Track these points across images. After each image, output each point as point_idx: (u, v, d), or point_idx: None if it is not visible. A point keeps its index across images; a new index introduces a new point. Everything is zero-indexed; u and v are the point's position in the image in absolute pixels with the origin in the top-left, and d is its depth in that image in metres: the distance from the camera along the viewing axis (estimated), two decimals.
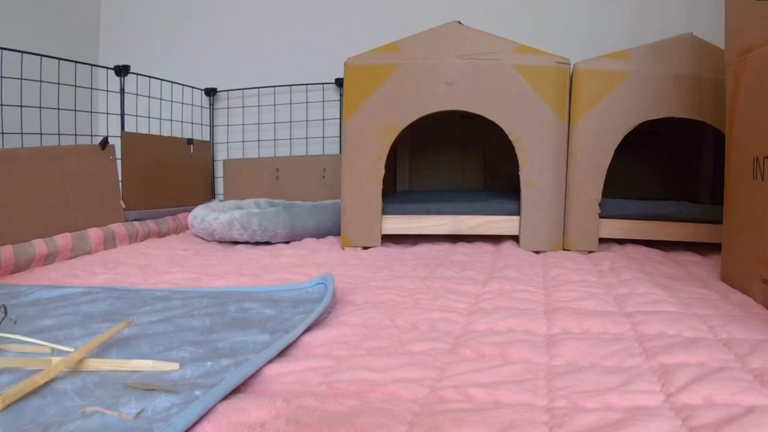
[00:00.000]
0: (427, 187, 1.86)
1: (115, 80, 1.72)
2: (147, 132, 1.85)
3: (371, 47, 1.31)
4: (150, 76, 1.84)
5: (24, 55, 1.39)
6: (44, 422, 0.43)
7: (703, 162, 1.59)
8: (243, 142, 2.17)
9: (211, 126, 2.18)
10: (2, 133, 1.38)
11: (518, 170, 1.28)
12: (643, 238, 1.28)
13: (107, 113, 1.76)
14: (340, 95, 1.98)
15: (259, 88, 2.12)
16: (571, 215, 1.28)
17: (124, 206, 1.51)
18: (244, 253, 1.28)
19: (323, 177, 1.97)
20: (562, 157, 1.27)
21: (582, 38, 1.89)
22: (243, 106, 2.17)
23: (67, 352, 0.57)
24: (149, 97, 1.89)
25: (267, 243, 1.41)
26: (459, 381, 0.52)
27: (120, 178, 1.53)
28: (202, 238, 1.49)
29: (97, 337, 0.58)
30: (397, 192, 1.78)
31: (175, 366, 0.54)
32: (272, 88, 2.12)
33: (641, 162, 1.63)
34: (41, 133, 1.48)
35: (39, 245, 1.13)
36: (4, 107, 1.38)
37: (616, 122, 1.24)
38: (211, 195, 2.10)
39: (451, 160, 1.86)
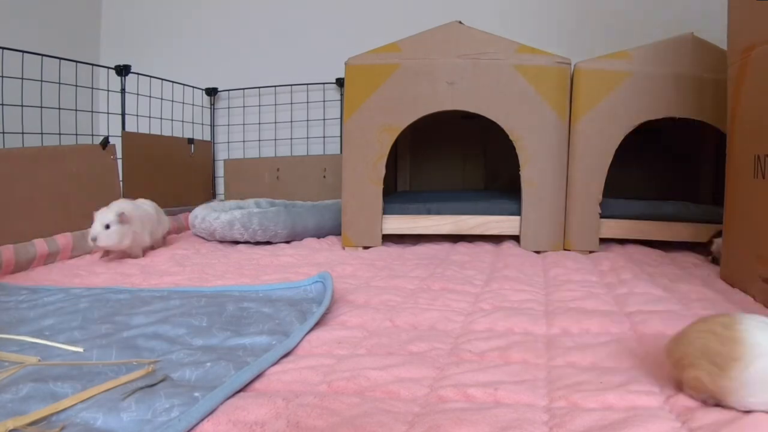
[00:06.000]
0: (428, 187, 1.86)
1: (115, 80, 1.72)
2: (148, 132, 1.84)
3: (371, 47, 1.31)
4: (151, 76, 1.84)
5: (25, 54, 1.39)
6: None
7: (703, 162, 1.59)
8: (244, 141, 2.17)
9: (212, 126, 2.18)
10: (3, 132, 1.38)
11: (519, 170, 1.28)
12: (643, 238, 1.28)
13: (108, 113, 1.76)
14: (341, 95, 1.98)
15: (259, 87, 2.12)
16: (571, 215, 1.28)
17: None
18: (244, 253, 1.28)
19: (324, 177, 1.97)
20: (562, 156, 1.27)
21: (583, 38, 1.88)
22: (244, 106, 2.17)
23: (61, 348, 0.58)
24: (150, 96, 1.89)
25: (268, 243, 1.41)
26: (458, 381, 0.52)
27: (121, 178, 1.53)
28: (203, 238, 1.49)
29: (118, 379, 0.52)
30: (397, 192, 1.78)
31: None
32: (273, 88, 2.12)
33: (642, 162, 1.63)
34: (42, 133, 1.48)
35: (40, 245, 1.13)
36: (4, 107, 1.38)
37: (617, 122, 1.24)
38: (211, 195, 2.10)
39: (452, 160, 1.85)
